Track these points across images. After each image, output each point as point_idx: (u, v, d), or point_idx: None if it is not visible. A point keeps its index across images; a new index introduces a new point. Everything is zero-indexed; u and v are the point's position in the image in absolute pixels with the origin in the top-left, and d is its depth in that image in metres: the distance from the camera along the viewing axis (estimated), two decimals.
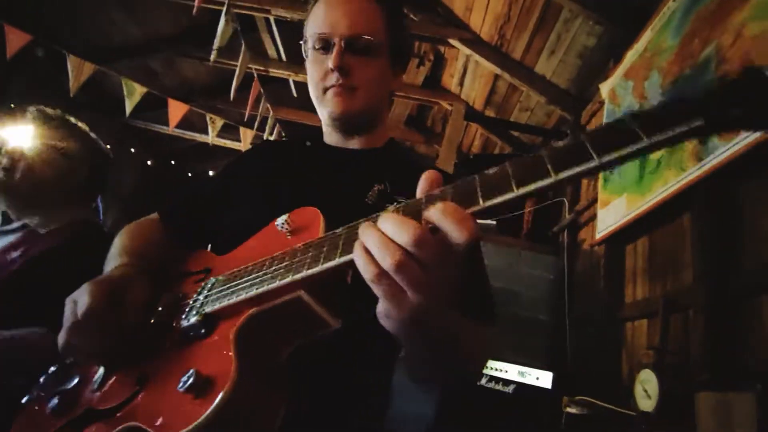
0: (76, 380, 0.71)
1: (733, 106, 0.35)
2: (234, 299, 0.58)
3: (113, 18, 4.33)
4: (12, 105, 3.74)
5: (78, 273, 1.23)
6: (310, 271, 0.51)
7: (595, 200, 2.69)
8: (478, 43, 3.76)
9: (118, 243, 0.86)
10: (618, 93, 2.62)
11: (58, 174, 1.37)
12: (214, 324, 0.60)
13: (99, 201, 1.56)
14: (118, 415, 0.58)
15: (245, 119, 3.87)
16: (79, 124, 1.50)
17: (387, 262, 0.41)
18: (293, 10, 3.89)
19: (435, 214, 0.41)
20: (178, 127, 3.80)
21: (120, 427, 0.55)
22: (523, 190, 0.41)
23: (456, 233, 0.40)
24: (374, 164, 0.87)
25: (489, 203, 0.42)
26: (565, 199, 3.23)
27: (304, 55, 0.90)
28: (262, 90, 3.88)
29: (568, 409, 1.71)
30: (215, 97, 5.26)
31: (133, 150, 5.19)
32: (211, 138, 4.09)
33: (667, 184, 1.87)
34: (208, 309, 0.61)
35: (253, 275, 0.59)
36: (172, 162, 5.37)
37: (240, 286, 0.59)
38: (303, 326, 0.57)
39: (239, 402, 0.50)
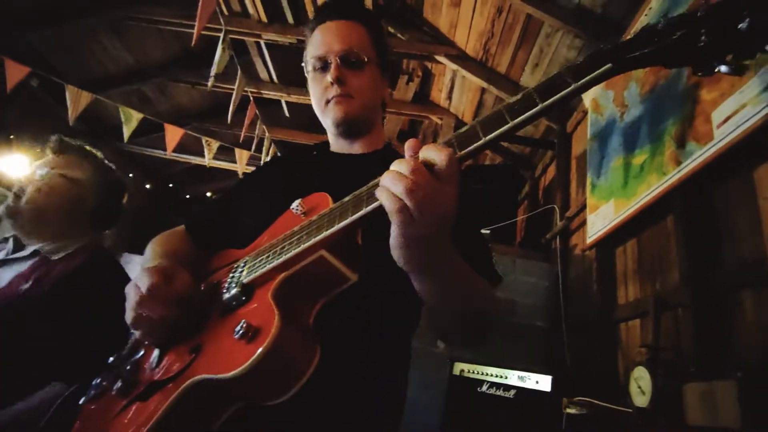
0: (138, 355, 0.80)
1: (636, 50, 0.52)
2: (267, 267, 0.68)
3: (106, 46, 4.43)
4: (11, 136, 3.79)
5: (90, 301, 1.28)
6: (328, 232, 0.63)
7: (584, 206, 2.77)
8: (464, 59, 3.88)
9: (150, 250, 0.95)
10: (600, 102, 2.72)
11: (65, 201, 1.39)
12: (252, 292, 0.69)
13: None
14: (180, 377, 0.65)
15: (241, 141, 3.95)
16: (96, 153, 1.52)
17: (399, 188, 0.54)
18: (283, 34, 4.01)
19: (422, 152, 0.57)
20: (174, 151, 3.87)
21: (186, 383, 0.61)
22: (489, 137, 0.57)
23: (437, 156, 0.55)
24: (376, 163, 0.95)
25: (489, 137, 0.57)
26: (555, 206, 3.32)
27: (306, 74, 1.02)
28: (257, 112, 3.97)
29: (568, 410, 1.76)
30: (209, 120, 5.35)
31: (131, 175, 5.24)
32: (207, 160, 4.16)
33: (651, 188, 1.96)
34: (245, 280, 0.70)
35: (279, 247, 0.69)
36: (170, 185, 5.43)
37: (269, 257, 0.69)
38: (327, 282, 0.66)
39: (283, 345, 0.58)
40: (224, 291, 0.73)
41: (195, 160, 4.65)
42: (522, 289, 3.21)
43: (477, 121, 0.58)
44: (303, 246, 0.64)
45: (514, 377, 2.29)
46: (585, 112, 3.03)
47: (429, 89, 4.74)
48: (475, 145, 0.57)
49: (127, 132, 3.41)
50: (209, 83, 2.75)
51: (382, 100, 1.04)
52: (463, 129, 0.59)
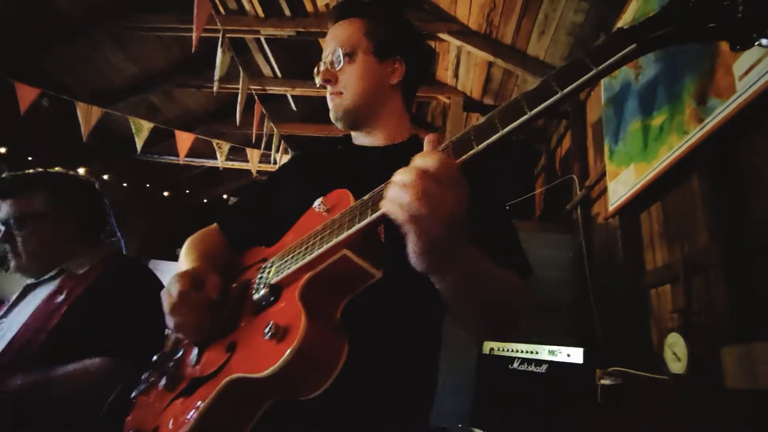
0: (180, 353, 0.84)
1: (663, 27, 0.48)
2: (293, 268, 0.70)
3: (109, 59, 4.47)
4: (29, 158, 3.88)
5: (121, 300, 1.31)
6: (349, 231, 0.63)
7: (603, 174, 2.70)
8: (467, 34, 3.79)
9: (184, 252, 0.98)
10: None
11: (45, 237, 1.41)
12: (280, 292, 0.71)
13: (120, 237, 1.62)
14: (218, 375, 0.68)
15: (253, 140, 3.97)
16: (43, 171, 1.51)
17: (407, 197, 0.54)
18: (281, 27, 3.97)
19: (427, 157, 0.57)
20: (187, 156, 3.92)
21: (224, 381, 0.64)
22: (508, 129, 0.54)
23: (435, 163, 0.55)
24: (396, 158, 0.95)
25: (482, 145, 0.55)
26: (574, 176, 3.25)
27: None
28: (264, 110, 3.97)
29: (602, 381, 1.74)
30: (218, 122, 5.38)
31: (148, 185, 5.33)
32: (220, 162, 4.20)
33: (672, 149, 1.89)
34: (273, 281, 0.73)
35: (304, 246, 0.71)
36: (187, 191, 5.52)
37: (294, 258, 0.72)
38: (352, 280, 0.68)
39: (311, 343, 0.60)
40: (254, 291, 0.76)
41: (209, 163, 4.71)
42: (545, 263, 3.17)
43: (494, 113, 0.56)
44: (325, 246, 0.66)
45: (544, 352, 2.28)
46: None
47: (435, 68, 4.65)
48: (493, 138, 0.55)
49: (139, 143, 3.45)
50: (214, 87, 2.76)
51: (402, 84, 1.01)
52: (481, 121, 0.57)
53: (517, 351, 2.34)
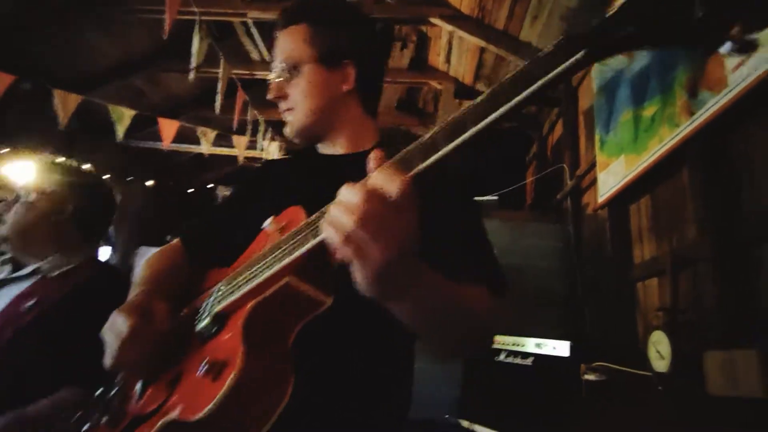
0: (123, 386, 0.81)
1: (619, 29, 0.42)
2: (236, 295, 0.66)
3: (91, 42, 4.32)
4: (6, 144, 3.78)
5: (92, 317, 1.28)
6: (291, 258, 0.59)
7: (594, 164, 2.67)
8: (459, 18, 3.69)
9: (140, 273, 0.94)
10: None
11: (42, 214, 1.40)
12: (224, 321, 0.67)
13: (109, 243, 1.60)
14: (156, 415, 0.65)
15: (234, 127, 3.88)
16: (70, 163, 1.53)
17: (348, 222, 0.48)
18: (268, 10, 3.85)
19: (372, 177, 0.51)
20: (174, 141, 3.83)
21: (159, 423, 0.61)
22: (450, 146, 0.49)
23: (387, 185, 0.49)
24: (361, 166, 0.89)
25: (449, 147, 0.50)
26: (564, 165, 3.21)
27: None
28: (247, 97, 3.87)
29: (587, 377, 1.73)
30: (205, 107, 5.26)
31: (130, 178, 5.25)
32: (205, 150, 4.12)
33: (662, 142, 1.85)
34: (216, 309, 0.69)
35: (249, 271, 0.67)
36: (171, 183, 5.45)
37: (239, 284, 0.67)
38: (300, 307, 0.63)
39: (250, 379, 0.56)
40: (197, 321, 0.72)
41: (196, 149, 4.62)
42: (534, 252, 3.15)
43: (436, 130, 0.51)
44: (266, 274, 0.61)
45: (531, 344, 2.27)
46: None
47: (426, 54, 4.56)
48: (433, 158, 0.50)
49: (120, 130, 3.36)
50: (191, 75, 2.66)
51: (357, 89, 0.92)
52: (424, 138, 0.52)
53: (503, 343, 2.34)
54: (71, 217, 1.43)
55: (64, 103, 2.97)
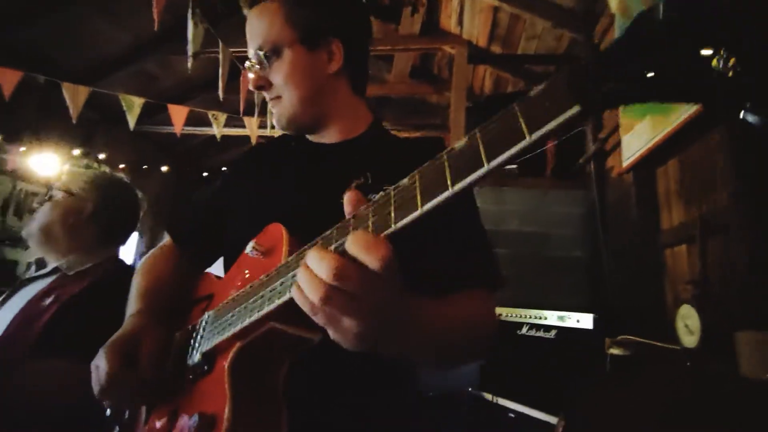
0: (127, 416, 0.82)
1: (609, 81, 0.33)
2: (222, 337, 0.64)
3: (99, 29, 4.29)
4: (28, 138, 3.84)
5: (107, 315, 1.30)
6: (270, 307, 0.56)
7: (618, 126, 2.53)
8: None
9: (135, 284, 0.92)
10: (629, 4, 2.38)
11: (64, 213, 1.44)
12: (213, 360, 0.67)
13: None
14: None
15: (242, 111, 3.83)
16: (97, 164, 1.56)
17: (315, 297, 0.43)
18: None
19: (348, 246, 0.44)
20: (187, 124, 3.82)
21: None
22: (428, 206, 0.41)
23: (368, 260, 0.42)
24: (353, 155, 0.84)
25: (401, 224, 0.43)
26: (586, 129, 3.06)
27: None
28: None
29: (612, 351, 1.68)
30: (216, 90, 5.22)
31: (145, 166, 5.31)
32: (217, 133, 4.10)
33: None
34: (204, 348, 0.68)
35: (235, 309, 0.64)
36: (187, 168, 5.50)
37: (226, 323, 0.65)
38: (287, 348, 0.62)
39: (243, 427, 0.56)
40: (188, 356, 0.71)
41: (210, 131, 4.61)
42: (557, 220, 3.06)
43: (416, 175, 0.44)
44: (249, 320, 0.58)
45: (553, 317, 2.23)
46: (612, 17, 2.67)
47: (438, 17, 4.36)
48: (411, 216, 0.42)
49: (132, 119, 3.36)
50: (189, 64, 2.61)
51: (345, 68, 0.84)
52: (402, 184, 0.45)
53: (525, 316, 2.30)
54: (91, 217, 1.46)
55: (74, 96, 2.97)
